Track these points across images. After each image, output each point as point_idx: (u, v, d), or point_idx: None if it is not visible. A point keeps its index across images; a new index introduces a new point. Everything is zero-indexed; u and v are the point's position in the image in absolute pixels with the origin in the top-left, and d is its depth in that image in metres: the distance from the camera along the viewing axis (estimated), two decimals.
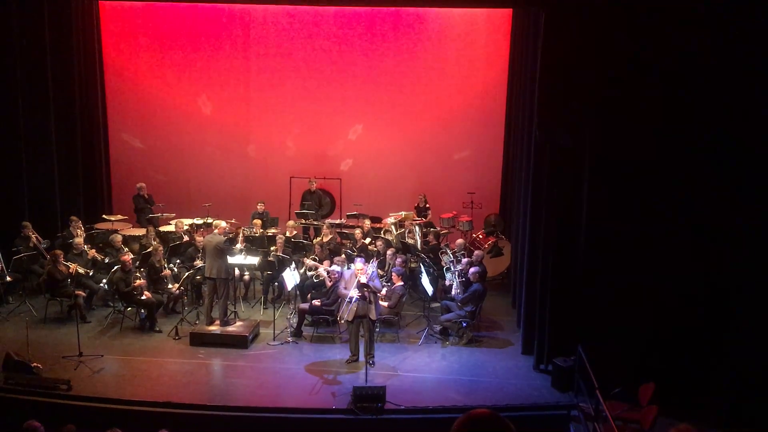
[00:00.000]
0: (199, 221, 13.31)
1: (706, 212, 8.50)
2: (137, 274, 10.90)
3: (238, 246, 11.63)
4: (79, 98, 14.01)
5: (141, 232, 13.03)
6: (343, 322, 10.00)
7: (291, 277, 10.78)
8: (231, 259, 10.76)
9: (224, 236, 10.71)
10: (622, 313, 8.84)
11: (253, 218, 13.48)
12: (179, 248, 12.27)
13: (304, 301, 11.22)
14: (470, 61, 15.05)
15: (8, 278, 11.34)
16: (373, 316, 9.53)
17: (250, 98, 15.46)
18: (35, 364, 9.01)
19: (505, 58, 14.57)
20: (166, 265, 11.40)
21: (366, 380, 9.06)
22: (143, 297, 10.70)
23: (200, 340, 10.29)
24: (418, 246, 13.22)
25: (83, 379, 9.06)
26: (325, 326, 10.93)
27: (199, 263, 11.49)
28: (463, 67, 15.07)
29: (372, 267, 10.00)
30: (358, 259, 10.09)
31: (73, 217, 12.62)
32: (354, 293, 9.51)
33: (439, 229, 13.87)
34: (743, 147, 8.28)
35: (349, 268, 10.22)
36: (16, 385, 8.66)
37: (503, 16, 14.55)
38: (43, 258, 11.64)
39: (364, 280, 9.49)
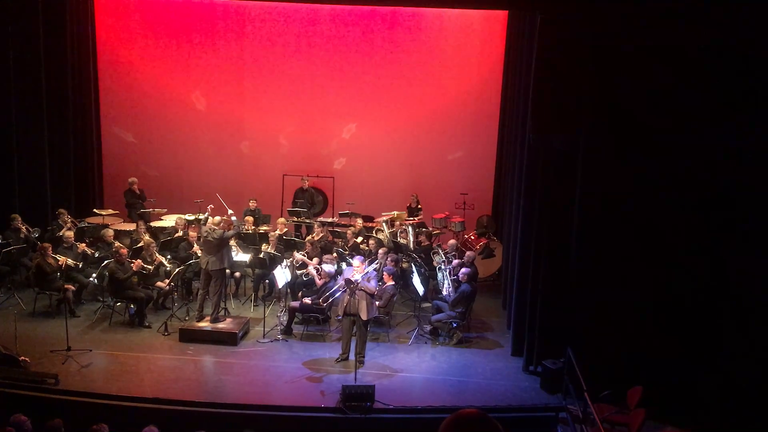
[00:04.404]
0: (190, 217, 13.27)
1: (699, 217, 8.54)
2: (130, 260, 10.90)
3: (234, 219, 11.26)
4: (72, 91, 13.95)
5: (131, 226, 12.99)
6: (338, 318, 10.04)
7: (282, 275, 10.77)
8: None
9: (223, 229, 10.64)
10: (611, 316, 8.88)
11: (245, 215, 13.45)
12: (171, 243, 12.24)
13: (295, 299, 11.22)
14: (465, 62, 15.07)
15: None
16: (363, 315, 9.52)
17: (244, 95, 15.42)
18: (23, 357, 8.96)
19: (500, 59, 14.61)
20: (158, 257, 11.35)
21: (355, 379, 9.06)
22: (143, 271, 10.80)
23: (190, 336, 10.26)
24: (411, 246, 13.23)
25: (71, 374, 9.02)
26: (315, 324, 10.92)
27: (198, 251, 11.32)
28: (458, 68, 15.09)
29: (371, 267, 10.00)
30: (357, 257, 10.10)
31: (61, 210, 12.56)
32: (340, 285, 9.61)
33: (431, 229, 13.88)
34: (740, 153, 8.31)
35: (348, 266, 10.28)
36: (4, 379, 8.60)
37: (499, 17, 14.58)
38: (33, 250, 11.58)
39: (357, 277, 9.49)
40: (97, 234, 12.24)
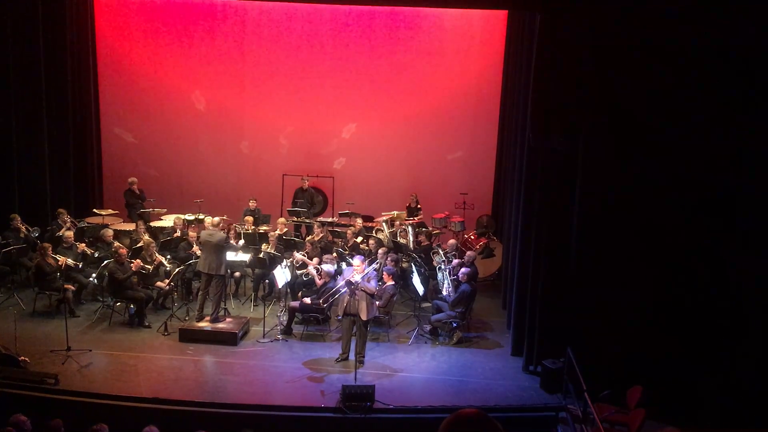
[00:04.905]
0: (190, 217, 13.28)
1: (699, 217, 8.54)
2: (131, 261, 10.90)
3: (241, 242, 11.58)
4: (72, 91, 13.94)
5: (131, 226, 12.98)
6: (338, 318, 10.04)
7: (282, 275, 10.77)
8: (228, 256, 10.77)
9: (225, 233, 10.67)
10: (611, 315, 8.87)
11: (245, 215, 13.45)
12: (170, 243, 12.24)
13: (295, 298, 11.21)
14: (465, 62, 15.07)
15: None
16: (363, 316, 9.51)
17: (244, 95, 15.42)
18: (23, 357, 8.96)
19: (499, 59, 14.60)
20: (158, 257, 11.36)
21: (355, 379, 9.06)
22: (143, 271, 10.83)
23: (190, 336, 10.26)
24: (410, 246, 13.22)
25: (71, 374, 9.01)
26: (315, 324, 10.92)
27: (198, 251, 11.38)
28: (458, 68, 15.08)
29: (370, 268, 10.00)
30: (357, 257, 10.10)
31: (60, 210, 12.56)
32: (341, 285, 9.61)
33: (431, 229, 13.88)
34: (740, 153, 8.31)
35: (348, 266, 10.27)
36: (3, 379, 8.59)
37: (499, 17, 14.58)
38: (33, 249, 11.58)
39: (357, 278, 9.49)
40: (97, 234, 12.24)
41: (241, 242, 11.71)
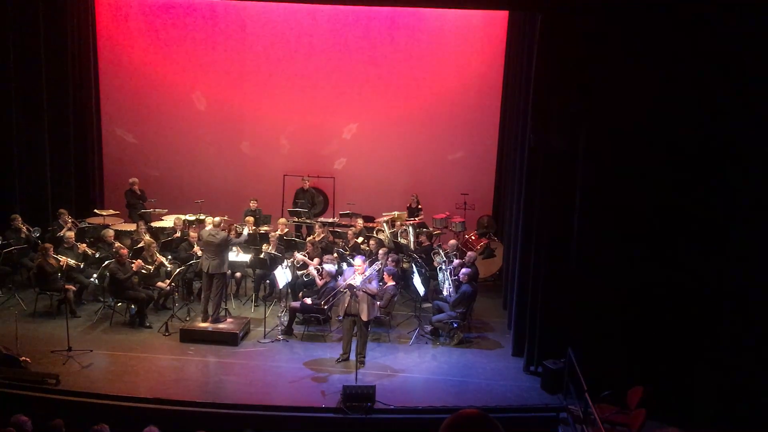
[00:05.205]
0: (191, 217, 13.28)
1: (699, 217, 8.55)
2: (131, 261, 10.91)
3: (245, 232, 11.53)
4: (72, 91, 13.95)
5: (132, 227, 12.99)
6: (338, 318, 10.04)
7: (282, 275, 10.78)
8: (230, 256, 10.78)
9: (226, 233, 10.68)
10: (612, 316, 8.88)
11: (246, 215, 13.45)
12: (171, 244, 12.25)
13: (296, 299, 11.22)
14: (465, 63, 15.07)
15: None
16: (364, 317, 9.51)
17: (244, 95, 15.42)
18: (24, 357, 8.96)
19: (500, 60, 14.60)
20: (159, 257, 11.37)
21: (356, 379, 9.07)
22: (144, 271, 10.85)
23: (190, 336, 10.27)
24: (411, 246, 13.22)
25: (72, 374, 9.02)
26: (316, 325, 10.93)
27: (199, 252, 11.39)
28: (459, 69, 15.08)
29: (371, 269, 10.00)
30: (358, 257, 10.09)
31: (61, 210, 12.58)
32: (342, 286, 9.63)
33: (431, 229, 13.88)
34: (741, 153, 8.31)
35: (349, 266, 10.28)
36: (4, 379, 8.60)
37: (499, 18, 14.57)
38: (34, 250, 11.59)
39: (357, 280, 9.48)
40: (98, 234, 12.26)
41: (245, 235, 11.51)
